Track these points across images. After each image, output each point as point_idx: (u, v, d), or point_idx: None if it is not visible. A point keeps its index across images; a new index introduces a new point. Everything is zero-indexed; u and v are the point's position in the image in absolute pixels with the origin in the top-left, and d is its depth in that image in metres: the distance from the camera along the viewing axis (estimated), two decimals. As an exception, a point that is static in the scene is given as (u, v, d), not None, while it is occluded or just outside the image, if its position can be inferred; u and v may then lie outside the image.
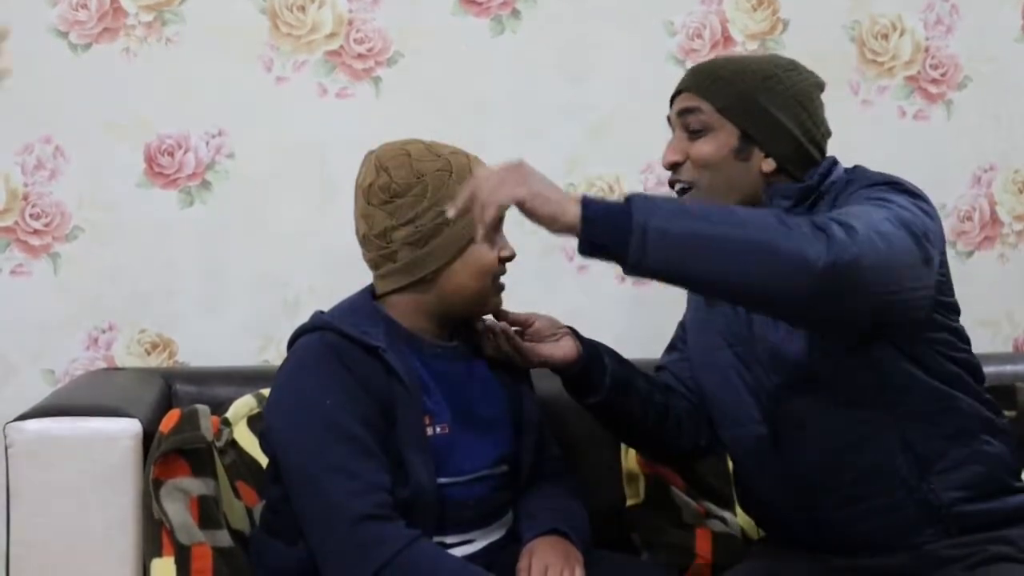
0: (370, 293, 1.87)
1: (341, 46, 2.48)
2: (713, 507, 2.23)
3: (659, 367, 2.06)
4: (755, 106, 1.81)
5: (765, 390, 1.83)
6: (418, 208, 1.77)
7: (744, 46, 2.59)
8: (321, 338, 1.77)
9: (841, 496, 1.78)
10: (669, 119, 1.88)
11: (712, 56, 2.57)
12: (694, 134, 1.82)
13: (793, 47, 2.59)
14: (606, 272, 2.57)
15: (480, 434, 1.83)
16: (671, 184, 1.87)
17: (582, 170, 2.56)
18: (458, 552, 1.78)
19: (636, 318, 2.58)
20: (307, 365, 1.76)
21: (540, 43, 2.53)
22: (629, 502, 2.26)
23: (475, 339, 1.89)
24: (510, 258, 1.83)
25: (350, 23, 2.48)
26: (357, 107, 2.48)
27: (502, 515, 1.88)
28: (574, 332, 1.92)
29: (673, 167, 1.85)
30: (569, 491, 1.93)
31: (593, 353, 1.90)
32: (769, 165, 1.81)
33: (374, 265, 1.84)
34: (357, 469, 1.69)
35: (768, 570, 1.85)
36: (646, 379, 1.96)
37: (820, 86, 1.88)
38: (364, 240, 1.83)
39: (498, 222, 1.58)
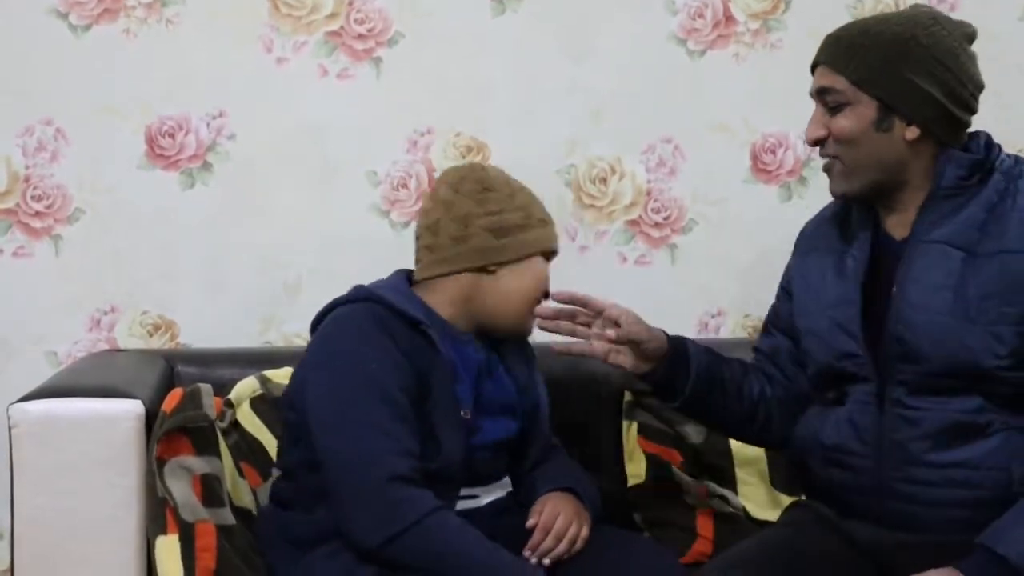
0: (406, 279, 1.93)
1: (341, 27, 2.47)
2: (715, 486, 2.24)
3: (755, 348, 2.03)
4: (891, 74, 1.76)
5: (881, 358, 1.79)
6: (505, 204, 1.89)
7: (746, 25, 2.58)
8: (367, 308, 1.84)
9: (943, 476, 1.75)
10: (811, 94, 1.85)
11: (714, 37, 2.57)
12: (832, 109, 1.80)
13: (795, 26, 2.58)
14: (607, 253, 2.57)
15: (489, 419, 1.90)
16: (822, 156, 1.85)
17: (583, 151, 2.55)
18: (465, 505, 1.85)
19: (638, 300, 2.56)
20: (351, 330, 1.83)
21: (541, 23, 2.53)
22: (631, 482, 2.27)
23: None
24: (548, 294, 1.94)
25: (350, 3, 2.47)
26: (358, 88, 2.48)
27: (500, 477, 1.95)
28: (669, 344, 1.88)
29: (817, 143, 1.83)
30: (582, 471, 2.01)
31: (675, 367, 1.88)
32: (913, 133, 1.78)
33: (433, 250, 1.90)
34: (396, 431, 1.75)
35: (789, 542, 1.83)
36: (739, 374, 1.93)
37: (969, 37, 1.82)
38: (434, 225, 1.90)
39: None
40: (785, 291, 1.99)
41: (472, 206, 1.89)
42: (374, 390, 1.76)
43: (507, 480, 1.96)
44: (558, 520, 1.83)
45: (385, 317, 1.82)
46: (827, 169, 1.84)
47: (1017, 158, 1.84)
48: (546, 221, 1.96)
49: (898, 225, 1.83)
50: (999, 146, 1.84)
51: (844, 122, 1.79)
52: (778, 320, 1.99)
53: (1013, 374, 1.74)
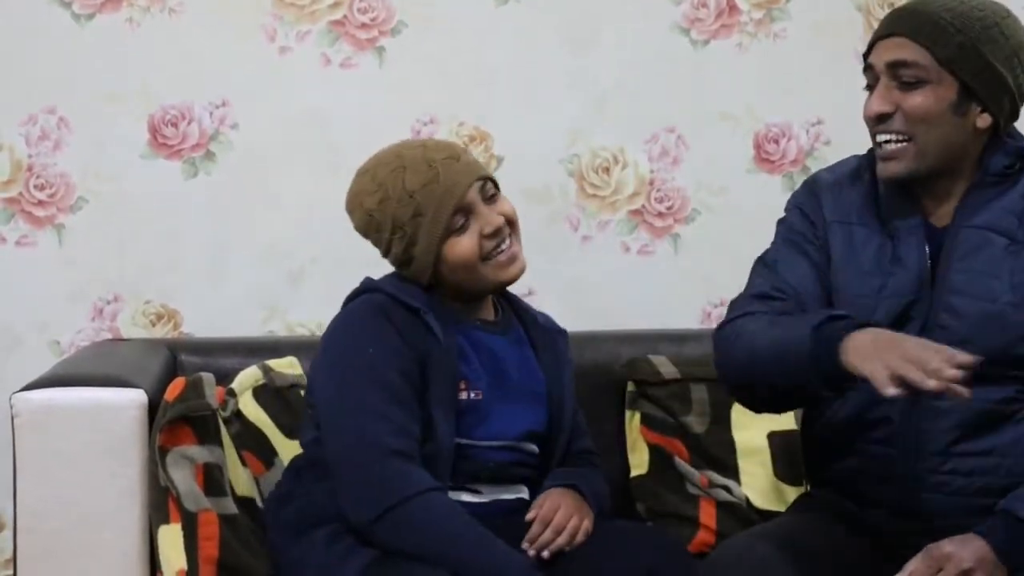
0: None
1: (344, 16, 2.47)
2: (717, 476, 2.24)
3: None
4: (979, 58, 1.73)
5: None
6: (384, 235, 1.88)
7: (749, 15, 2.57)
8: (369, 298, 1.88)
9: (970, 465, 1.74)
10: (870, 66, 1.78)
11: (717, 27, 2.56)
12: (907, 85, 1.74)
13: (798, 16, 2.57)
14: (610, 242, 2.57)
15: (513, 405, 1.90)
16: (874, 136, 1.78)
17: (585, 141, 2.55)
18: (464, 497, 1.84)
19: (639, 289, 2.58)
20: (354, 320, 1.86)
21: (544, 13, 2.52)
22: (633, 473, 2.27)
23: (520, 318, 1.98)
24: (493, 233, 1.85)
25: (353, -7, 2.47)
26: (360, 77, 2.48)
27: (516, 482, 1.93)
28: None
29: (881, 118, 1.76)
30: (597, 473, 2.00)
31: None
32: (985, 121, 1.75)
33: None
34: (391, 413, 1.78)
35: (801, 533, 1.81)
36: None
37: None
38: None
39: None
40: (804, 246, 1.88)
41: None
42: (371, 375, 1.79)
43: (523, 487, 1.93)
44: (558, 513, 1.83)
45: (385, 304, 1.85)
46: (887, 149, 1.76)
47: None
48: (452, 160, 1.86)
49: (939, 213, 1.80)
50: None
51: (921, 99, 1.73)
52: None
53: None
